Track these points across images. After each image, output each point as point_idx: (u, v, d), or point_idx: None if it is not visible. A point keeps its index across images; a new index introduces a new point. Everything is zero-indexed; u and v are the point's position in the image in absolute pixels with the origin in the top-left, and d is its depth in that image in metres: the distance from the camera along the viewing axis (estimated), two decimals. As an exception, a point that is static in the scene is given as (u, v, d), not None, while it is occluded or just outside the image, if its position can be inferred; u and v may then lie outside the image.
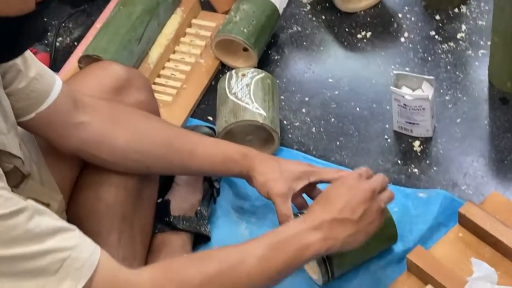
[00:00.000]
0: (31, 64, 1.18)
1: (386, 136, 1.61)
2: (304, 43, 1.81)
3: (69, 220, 1.31)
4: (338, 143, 1.62)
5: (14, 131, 1.14)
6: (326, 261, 1.31)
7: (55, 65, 1.83)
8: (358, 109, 1.67)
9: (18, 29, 0.92)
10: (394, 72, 1.57)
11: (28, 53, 1.17)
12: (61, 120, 1.23)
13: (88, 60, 1.69)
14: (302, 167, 1.32)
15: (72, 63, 1.79)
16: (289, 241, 1.09)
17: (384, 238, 1.35)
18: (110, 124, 1.28)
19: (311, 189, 1.34)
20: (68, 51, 1.86)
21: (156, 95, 1.59)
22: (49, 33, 1.91)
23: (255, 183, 1.31)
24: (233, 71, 1.62)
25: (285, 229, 1.13)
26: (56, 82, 1.22)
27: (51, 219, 0.97)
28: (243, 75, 1.61)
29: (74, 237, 0.98)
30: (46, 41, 1.89)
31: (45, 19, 1.93)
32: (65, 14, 1.95)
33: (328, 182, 1.30)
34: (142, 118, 1.32)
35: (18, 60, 1.15)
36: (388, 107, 1.64)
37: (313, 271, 1.36)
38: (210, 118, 1.69)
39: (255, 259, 1.07)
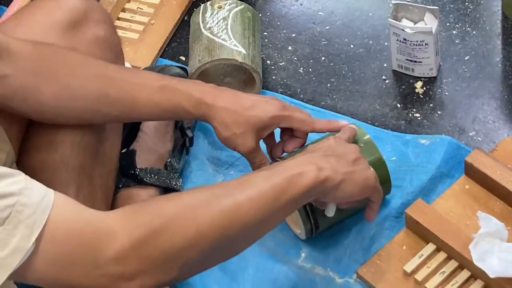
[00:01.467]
0: None
1: (384, 77, 1.59)
2: (291, -28, 1.78)
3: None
4: (329, 85, 1.60)
5: None
6: (308, 210, 1.29)
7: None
8: (352, 46, 1.65)
9: None
10: (393, 2, 1.55)
11: None
12: None
13: (42, -8, 1.65)
14: (272, 110, 1.30)
15: (24, -4, 1.75)
16: (283, 169, 1.10)
17: None
18: (35, 76, 1.24)
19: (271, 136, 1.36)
20: (19, -18, 1.82)
21: (120, 32, 1.56)
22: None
23: (217, 135, 1.30)
24: (208, 3, 1.59)
25: (279, 164, 1.14)
26: None
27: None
28: (220, 7, 1.58)
29: (19, 181, 0.96)
30: (-6, -28, 1.85)
31: None
32: None
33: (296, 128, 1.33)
34: (74, 66, 1.27)
35: None
36: (386, 43, 1.62)
37: (296, 224, 1.35)
38: (183, 58, 1.66)
39: (240, 187, 1.06)
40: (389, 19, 1.52)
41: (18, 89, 1.23)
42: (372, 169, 1.20)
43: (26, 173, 1.28)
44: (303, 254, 1.37)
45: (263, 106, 1.31)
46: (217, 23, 1.56)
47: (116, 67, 1.33)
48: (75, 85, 1.26)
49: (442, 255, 1.28)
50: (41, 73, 1.24)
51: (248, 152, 1.31)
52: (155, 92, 1.29)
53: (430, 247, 1.29)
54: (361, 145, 1.31)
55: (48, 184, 1.26)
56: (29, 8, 1.39)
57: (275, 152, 1.36)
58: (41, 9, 1.36)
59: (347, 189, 1.15)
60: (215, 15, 1.57)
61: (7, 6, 1.75)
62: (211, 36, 1.54)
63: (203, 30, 1.56)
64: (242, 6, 1.59)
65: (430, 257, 1.29)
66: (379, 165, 1.31)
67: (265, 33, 1.68)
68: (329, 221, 1.32)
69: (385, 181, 1.32)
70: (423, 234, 1.31)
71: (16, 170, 0.98)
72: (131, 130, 1.46)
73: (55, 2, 1.36)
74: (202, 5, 1.60)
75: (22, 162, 1.32)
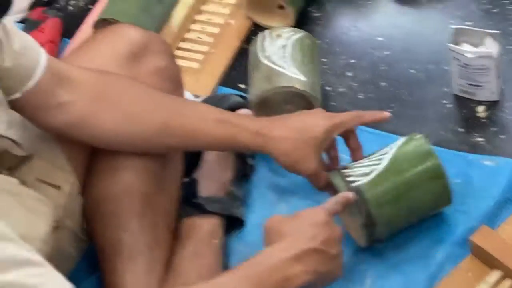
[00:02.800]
0: (14, 36, 1.17)
1: (445, 101, 1.59)
2: (349, -2, 1.79)
3: (85, 204, 1.34)
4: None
5: (1, 107, 1.14)
6: (368, 223, 1.30)
7: (68, 31, 1.83)
8: (412, 71, 1.65)
9: None
10: (453, 26, 1.54)
11: (9, 23, 1.16)
12: (44, 100, 1.22)
13: (104, 25, 1.68)
14: (323, 123, 1.33)
15: (86, 29, 1.79)
16: (268, 274, 1.10)
17: (436, 195, 1.34)
18: (96, 104, 1.27)
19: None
20: (82, 15, 1.86)
21: (180, 61, 1.60)
22: (60, -4, 1.92)
23: (280, 164, 1.33)
24: (267, 32, 1.61)
25: (262, 258, 1.12)
26: (41, 55, 1.21)
27: (17, 249, 0.91)
28: (278, 35, 1.59)
29: (39, 275, 0.90)
30: (57, 5, 1.89)
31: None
32: (76, -26, 1.95)
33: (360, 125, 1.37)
34: (135, 96, 1.30)
35: None
36: (446, 67, 1.61)
37: (355, 232, 1.37)
38: (242, 86, 1.68)
39: None
40: (449, 44, 1.52)
41: (79, 116, 1.26)
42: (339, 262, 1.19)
43: (90, 203, 1.34)
44: (368, 281, 1.36)
45: (313, 122, 1.34)
46: (276, 51, 1.57)
47: (177, 99, 1.36)
48: (136, 114, 1.29)
49: (508, 282, 1.27)
50: (103, 100, 1.28)
51: (312, 174, 1.33)
52: (213, 125, 1.32)
53: (496, 274, 1.28)
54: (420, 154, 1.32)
55: (112, 215, 1.32)
56: (91, 40, 1.44)
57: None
58: (103, 41, 1.40)
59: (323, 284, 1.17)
60: (274, 43, 1.58)
61: (70, 39, 1.79)
62: (270, 64, 1.55)
63: (262, 58, 1.57)
64: (301, 34, 1.60)
65: (496, 284, 1.27)
66: (439, 175, 1.31)
67: (324, 60, 1.69)
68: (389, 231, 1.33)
69: (445, 192, 1.33)
70: (488, 261, 1.30)
71: (42, 260, 0.93)
72: (192, 158, 1.48)
73: (116, 34, 1.40)
74: (261, 33, 1.62)
75: (86, 192, 1.35)
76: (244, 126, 1.32)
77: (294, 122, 1.34)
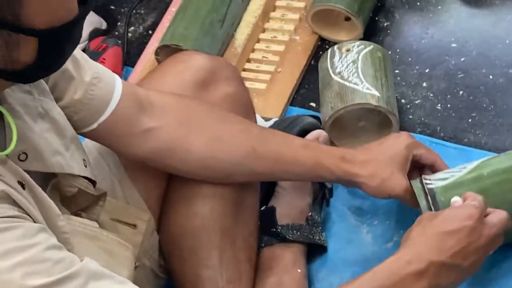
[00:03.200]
0: (85, 66, 1.16)
1: (529, 106, 1.55)
2: (418, 3, 1.75)
3: (162, 240, 1.32)
4: (470, 120, 1.56)
5: (74, 145, 1.12)
6: None
7: (129, 59, 1.82)
8: (491, 76, 1.60)
9: (62, 37, 0.92)
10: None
11: (79, 54, 1.15)
12: (126, 128, 1.21)
13: (166, 50, 1.68)
14: (403, 140, 1.32)
15: (148, 55, 1.77)
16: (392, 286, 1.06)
17: None
18: (183, 128, 1.25)
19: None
20: (142, 41, 1.85)
21: (247, 83, 1.56)
22: (119, 23, 1.90)
23: (367, 189, 1.30)
24: (336, 47, 1.57)
25: (387, 271, 1.08)
26: (116, 83, 1.20)
27: (112, 283, 0.93)
28: (348, 50, 1.55)
29: None
30: (116, 33, 1.89)
31: (112, 7, 1.93)
32: (135, -1, 1.94)
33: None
34: (219, 120, 1.29)
35: (69, 65, 1.13)
36: (528, 70, 1.57)
37: None
38: (313, 105, 1.65)
39: None
40: (530, 47, 1.46)
41: (166, 141, 1.24)
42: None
43: (166, 240, 1.32)
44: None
45: (394, 141, 1.33)
46: (346, 67, 1.53)
47: (257, 125, 1.36)
48: (223, 138, 1.28)
49: None
50: (188, 124, 1.26)
51: (405, 191, 1.28)
52: (298, 149, 1.30)
53: None
54: None
55: (190, 251, 1.30)
56: (158, 71, 1.42)
57: None
58: (170, 71, 1.38)
59: None
60: (343, 58, 1.54)
61: (133, 67, 1.78)
62: (342, 81, 1.51)
63: (332, 75, 1.53)
64: (371, 47, 1.56)
65: None
66: None
67: (396, 71, 1.65)
68: None
69: None
70: None
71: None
72: (268, 186, 1.45)
73: (183, 63, 1.37)
74: (330, 49, 1.58)
75: (162, 228, 1.33)
76: (329, 151, 1.31)
77: (375, 146, 1.32)
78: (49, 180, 1.05)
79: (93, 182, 1.15)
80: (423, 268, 1.06)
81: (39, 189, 0.98)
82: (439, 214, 1.12)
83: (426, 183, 1.28)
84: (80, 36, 0.97)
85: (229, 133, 1.28)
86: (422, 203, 1.26)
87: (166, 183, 1.33)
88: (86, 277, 0.91)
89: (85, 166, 1.13)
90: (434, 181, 1.28)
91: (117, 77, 1.21)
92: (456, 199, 1.18)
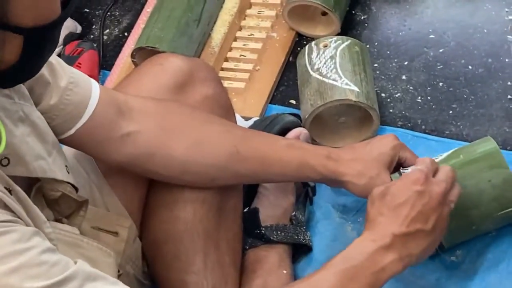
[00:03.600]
0: (60, 71, 1.15)
1: (510, 96, 1.54)
2: (394, -5, 1.76)
3: (145, 246, 1.31)
4: (451, 112, 1.55)
5: (56, 151, 1.11)
6: None
7: (106, 62, 1.81)
8: (470, 67, 1.60)
9: (46, 37, 0.93)
10: (510, 17, 1.49)
11: (54, 59, 1.14)
12: (105, 133, 1.20)
13: (142, 52, 1.66)
14: (389, 142, 1.30)
15: (124, 58, 1.76)
16: (362, 267, 1.09)
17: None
18: (163, 132, 1.24)
19: None
20: (118, 44, 1.84)
21: (225, 83, 1.56)
22: (94, 26, 1.89)
23: (354, 188, 1.28)
24: (313, 43, 1.57)
25: (354, 252, 1.11)
26: (92, 88, 1.18)
27: (106, 284, 0.94)
28: (325, 46, 1.54)
29: None
30: (92, 36, 1.87)
31: (86, 10, 1.91)
32: (109, 1, 1.92)
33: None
34: (200, 122, 1.28)
35: (44, 70, 1.11)
36: (507, 59, 1.57)
37: None
38: (293, 102, 1.64)
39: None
40: (508, 36, 1.46)
41: (146, 145, 1.23)
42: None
43: (149, 246, 1.30)
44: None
45: (380, 142, 1.31)
46: (325, 63, 1.52)
47: (240, 126, 1.35)
48: (204, 141, 1.26)
49: None
50: (169, 128, 1.25)
51: None
52: (283, 149, 1.28)
53: None
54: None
55: (174, 256, 1.29)
56: (135, 74, 1.40)
57: None
58: (147, 74, 1.36)
59: (424, 258, 1.15)
60: (321, 54, 1.54)
61: (109, 70, 1.76)
62: (321, 78, 1.51)
63: (311, 72, 1.52)
64: (349, 42, 1.55)
65: None
66: (499, 163, 1.27)
67: (375, 65, 1.65)
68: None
69: (508, 185, 1.27)
70: None
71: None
72: (250, 187, 1.44)
73: (159, 66, 1.36)
74: (307, 45, 1.57)
75: (144, 234, 1.32)
76: (314, 150, 1.30)
77: (361, 146, 1.31)
78: (32, 185, 1.05)
79: (75, 189, 1.14)
80: (389, 242, 1.10)
81: (24, 195, 0.98)
82: (388, 190, 1.14)
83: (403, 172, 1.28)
84: (59, 39, 0.98)
85: (211, 136, 1.27)
86: None
87: (147, 189, 1.32)
88: (82, 278, 0.92)
89: (68, 172, 1.12)
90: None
91: (94, 81, 1.20)
92: (407, 169, 1.23)
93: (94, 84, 1.19)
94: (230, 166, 1.27)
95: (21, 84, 1.05)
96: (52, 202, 1.08)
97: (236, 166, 1.27)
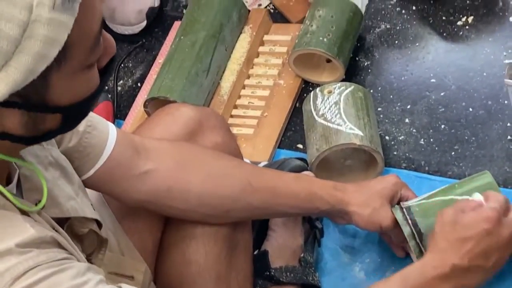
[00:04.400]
0: None
1: (510, 137, 1.57)
2: (396, 42, 1.78)
3: None
4: (453, 153, 1.58)
5: (81, 191, 1.16)
6: (414, 232, 1.31)
7: (120, 112, 1.86)
8: (471, 109, 1.63)
9: (85, 106, 0.94)
10: (506, 61, 1.52)
11: None
12: (123, 173, 1.24)
13: (154, 102, 1.71)
14: (391, 179, 1.38)
15: (137, 108, 1.81)
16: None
17: None
18: (179, 168, 1.28)
19: None
20: (131, 94, 1.89)
21: (235, 129, 1.60)
22: (108, 77, 1.94)
23: (359, 218, 1.34)
24: (318, 90, 1.61)
25: (414, 273, 1.16)
26: (110, 130, 1.23)
27: None
28: (330, 92, 1.59)
29: None
30: (106, 87, 1.92)
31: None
32: (122, 53, 1.98)
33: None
34: (213, 157, 1.33)
35: None
36: (506, 101, 1.59)
37: (411, 252, 1.36)
38: (300, 146, 1.68)
39: None
40: (505, 80, 1.49)
41: (163, 181, 1.27)
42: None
43: None
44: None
45: (383, 179, 1.39)
46: (329, 109, 1.56)
47: (249, 163, 1.41)
48: (219, 174, 1.31)
49: None
50: (184, 163, 1.29)
51: (393, 223, 1.34)
52: (291, 181, 1.34)
53: None
54: None
55: None
56: (147, 124, 1.44)
57: None
58: (158, 124, 1.41)
59: None
60: (326, 100, 1.58)
61: (123, 120, 1.81)
62: (325, 123, 1.55)
63: (316, 117, 1.57)
64: (352, 87, 1.59)
65: None
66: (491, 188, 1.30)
67: (379, 109, 1.68)
68: None
69: None
70: None
71: None
72: (259, 230, 1.48)
73: (170, 116, 1.40)
74: (312, 92, 1.61)
75: (158, 277, 1.35)
76: (321, 182, 1.37)
77: (364, 182, 1.38)
78: (63, 223, 1.08)
79: (99, 226, 1.17)
80: (448, 271, 1.15)
81: (67, 235, 1.02)
82: (461, 219, 1.18)
83: (404, 206, 1.34)
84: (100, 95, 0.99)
85: (224, 169, 1.32)
86: (405, 228, 1.31)
87: (161, 232, 1.35)
88: None
89: (94, 210, 1.17)
90: (411, 203, 1.34)
91: (111, 124, 1.24)
92: (477, 196, 1.25)
93: (111, 126, 1.24)
94: (243, 198, 1.31)
95: None
96: (78, 239, 1.11)
97: (249, 198, 1.31)
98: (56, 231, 0.99)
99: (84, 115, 0.97)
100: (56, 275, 0.88)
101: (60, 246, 0.94)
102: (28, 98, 0.86)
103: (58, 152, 1.14)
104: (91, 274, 0.93)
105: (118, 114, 1.85)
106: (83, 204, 1.13)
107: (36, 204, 0.99)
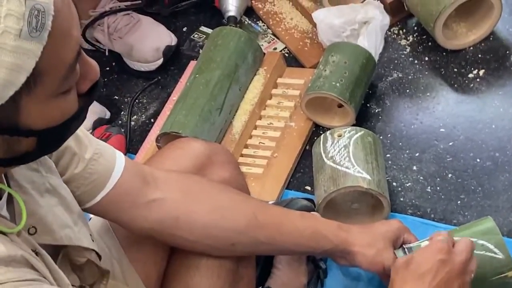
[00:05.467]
0: (86, 143, 1.20)
1: (516, 189, 1.58)
2: (408, 91, 1.81)
3: None
4: (459, 202, 1.60)
5: (81, 221, 1.17)
6: None
7: (132, 146, 1.88)
8: (478, 160, 1.65)
9: (61, 131, 0.95)
10: (516, 114, 1.55)
11: (81, 132, 1.19)
12: (130, 201, 1.25)
13: (166, 137, 1.73)
14: (395, 223, 1.39)
15: (149, 142, 1.84)
16: None
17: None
18: (186, 198, 1.30)
19: None
20: (144, 129, 1.92)
21: (244, 168, 1.62)
22: (122, 112, 1.97)
23: (362, 258, 1.34)
24: (328, 133, 1.63)
25: None
26: (117, 159, 1.24)
27: None
28: (340, 135, 1.61)
29: None
30: (119, 121, 1.95)
31: (115, 97, 2.00)
32: (137, 89, 2.01)
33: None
34: (220, 190, 1.34)
35: (71, 142, 1.17)
36: (514, 154, 1.61)
37: None
38: (308, 188, 1.70)
39: None
40: (514, 131, 1.52)
41: (170, 211, 1.28)
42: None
43: None
44: None
45: (387, 222, 1.41)
46: (338, 151, 1.59)
47: (255, 198, 1.41)
48: (226, 206, 1.32)
49: None
50: (192, 194, 1.30)
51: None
52: (298, 218, 1.35)
53: None
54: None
55: None
56: (157, 156, 1.46)
57: None
58: (168, 157, 1.42)
59: None
60: (336, 143, 1.60)
61: (135, 154, 1.84)
62: (334, 165, 1.57)
63: (325, 159, 1.59)
64: (362, 132, 1.62)
65: None
66: (491, 230, 1.32)
67: (388, 155, 1.70)
68: None
69: (501, 251, 1.32)
70: None
71: None
72: (264, 267, 1.49)
73: (181, 150, 1.42)
74: (323, 135, 1.64)
75: None
76: (326, 221, 1.38)
77: (368, 224, 1.40)
78: (59, 250, 1.09)
79: (99, 258, 1.19)
80: None
81: (49, 259, 1.02)
82: (412, 259, 1.20)
83: (406, 247, 1.35)
84: (84, 118, 0.99)
85: (230, 202, 1.33)
86: None
87: (166, 263, 1.36)
88: None
89: (92, 241, 1.18)
90: (413, 244, 1.35)
91: (119, 152, 1.25)
92: (425, 243, 1.29)
93: (119, 154, 1.25)
94: (249, 232, 1.31)
95: (46, 158, 1.11)
96: (77, 268, 1.13)
97: (255, 232, 1.32)
98: (38, 254, 1.00)
99: (62, 139, 0.97)
100: None
101: (32, 267, 0.94)
102: None
103: (58, 181, 1.15)
104: None
105: (130, 148, 1.87)
106: (80, 233, 1.14)
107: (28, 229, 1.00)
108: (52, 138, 0.94)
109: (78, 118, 0.95)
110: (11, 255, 0.90)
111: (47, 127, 0.91)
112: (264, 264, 1.49)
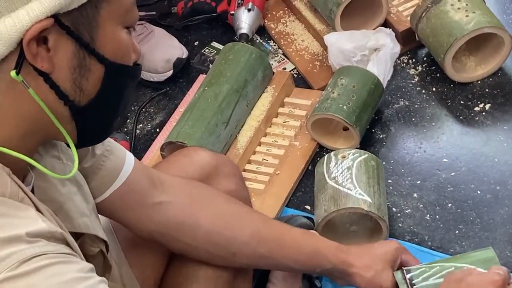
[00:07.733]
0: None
1: (514, 223, 1.60)
2: (413, 119, 1.83)
3: None
4: (457, 232, 1.61)
5: (95, 214, 1.19)
6: None
7: (136, 154, 1.85)
8: (479, 192, 1.66)
9: (122, 77, 1.01)
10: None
11: None
12: (138, 200, 1.27)
13: (171, 147, 1.76)
14: (393, 244, 1.41)
15: (154, 151, 1.86)
16: None
17: None
18: (192, 204, 1.31)
19: None
20: (149, 138, 1.94)
21: (246, 183, 1.62)
22: (128, 120, 1.99)
23: (360, 279, 1.35)
24: (332, 153, 1.65)
25: None
26: (127, 158, 1.26)
27: None
28: (344, 157, 1.63)
29: None
30: (125, 129, 1.97)
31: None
32: (145, 98, 2.04)
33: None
34: (225, 200, 1.36)
35: None
36: (515, 188, 1.63)
37: None
38: (308, 207, 1.71)
39: None
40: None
41: (175, 214, 1.29)
42: None
43: None
44: None
45: (385, 244, 1.42)
46: (341, 173, 1.61)
47: (258, 211, 1.43)
48: (229, 216, 1.33)
49: None
50: (197, 201, 1.32)
51: (393, 286, 1.35)
52: (299, 235, 1.37)
53: None
54: None
55: None
56: (163, 163, 1.48)
57: None
58: (175, 164, 1.44)
59: None
60: (339, 164, 1.62)
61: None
62: (336, 186, 1.59)
63: (327, 179, 1.61)
64: (366, 155, 1.64)
65: None
66: (491, 259, 1.32)
67: (389, 181, 1.72)
68: None
69: None
70: None
71: None
72: (259, 281, 1.50)
73: (188, 158, 1.44)
74: (326, 155, 1.66)
75: None
76: (326, 241, 1.38)
77: (367, 245, 1.41)
78: (77, 238, 1.10)
79: (107, 250, 1.20)
80: None
81: (75, 244, 1.02)
82: (466, 278, 1.19)
83: (404, 268, 1.36)
84: (131, 95, 1.06)
85: (235, 212, 1.35)
86: (403, 287, 1.33)
87: (164, 269, 1.37)
88: None
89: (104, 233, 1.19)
90: (413, 267, 1.36)
91: (128, 152, 1.28)
92: (410, 268, 1.31)
93: (129, 154, 1.28)
94: (251, 243, 1.33)
95: (67, 147, 1.13)
96: (86, 258, 1.13)
97: (257, 245, 1.33)
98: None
99: (121, 92, 1.01)
100: (61, 264, 0.91)
101: (67, 244, 0.97)
102: (79, 29, 0.93)
103: (77, 171, 1.16)
104: (94, 274, 0.95)
105: (135, 156, 1.87)
106: (95, 223, 1.17)
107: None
108: (114, 81, 0.99)
109: (134, 75, 1.02)
110: (51, 231, 0.93)
111: (114, 61, 0.97)
112: (260, 278, 1.50)
